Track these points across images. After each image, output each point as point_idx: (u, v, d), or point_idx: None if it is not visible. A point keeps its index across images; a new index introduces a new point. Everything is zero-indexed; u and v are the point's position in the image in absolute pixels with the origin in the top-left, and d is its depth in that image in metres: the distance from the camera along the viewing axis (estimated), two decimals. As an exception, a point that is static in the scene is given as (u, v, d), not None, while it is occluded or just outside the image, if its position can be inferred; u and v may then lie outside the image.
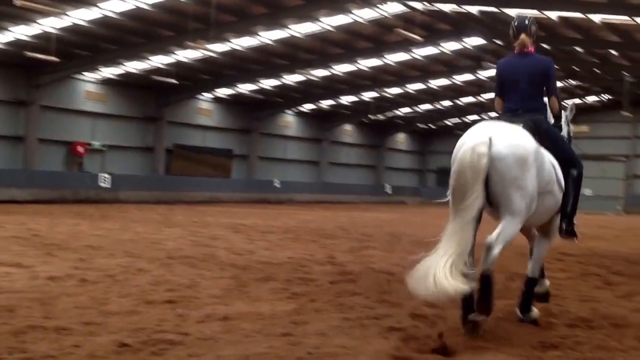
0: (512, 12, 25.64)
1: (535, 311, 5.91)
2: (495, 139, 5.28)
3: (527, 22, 6.12)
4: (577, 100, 45.50)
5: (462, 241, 5.27)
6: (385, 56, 31.65)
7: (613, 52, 30.71)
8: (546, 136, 5.80)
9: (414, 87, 39.10)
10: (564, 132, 6.47)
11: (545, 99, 6.09)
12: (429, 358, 4.59)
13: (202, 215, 21.86)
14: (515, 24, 6.13)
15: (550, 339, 5.23)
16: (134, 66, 31.66)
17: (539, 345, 5.00)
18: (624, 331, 5.59)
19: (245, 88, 37.13)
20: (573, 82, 40.28)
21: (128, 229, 14.97)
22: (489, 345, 5.00)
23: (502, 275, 9.02)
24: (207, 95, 38.66)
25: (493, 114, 9.49)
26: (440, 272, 4.93)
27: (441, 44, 30.18)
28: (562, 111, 6.41)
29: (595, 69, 35.99)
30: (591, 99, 44.86)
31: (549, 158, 5.68)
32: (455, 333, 5.36)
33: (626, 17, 23.62)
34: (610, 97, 44.46)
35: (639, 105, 44.86)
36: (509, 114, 5.91)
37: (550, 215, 5.96)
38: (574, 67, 36.69)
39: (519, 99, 5.92)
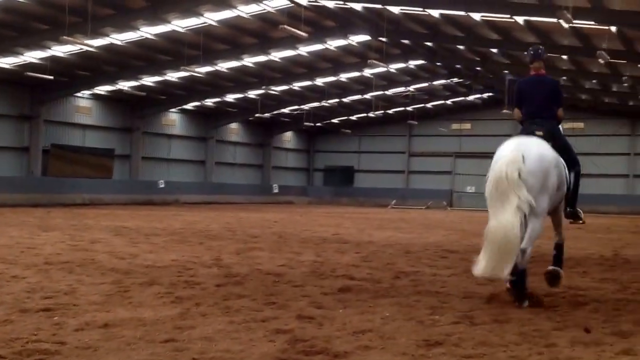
0: (396, 9, 26.30)
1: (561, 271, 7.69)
2: (526, 155, 6.78)
3: (540, 51, 7.80)
4: (460, 98, 47.27)
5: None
6: (270, 52, 31.57)
7: (493, 50, 31.99)
8: (558, 141, 7.42)
9: (300, 84, 39.26)
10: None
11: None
12: (315, 359, 4.53)
13: (82, 218, 21.05)
14: (532, 52, 7.81)
15: (435, 336, 5.30)
16: (6, 61, 29.99)
17: (423, 343, 5.05)
18: (505, 327, 5.75)
19: (126, 85, 35.99)
20: (456, 80, 41.72)
21: (2, 233, 14.16)
22: (374, 344, 5.00)
23: (390, 274, 9.15)
24: (86, 93, 37.20)
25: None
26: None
27: (327, 41, 30.42)
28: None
29: (477, 67, 37.42)
30: (473, 97, 46.61)
31: (561, 161, 7.23)
32: (345, 334, 5.34)
33: (506, 15, 24.57)
34: (491, 94, 46.37)
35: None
36: (529, 121, 7.58)
37: (560, 203, 7.56)
38: (456, 65, 38.01)
39: (536, 109, 7.59)
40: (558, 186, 7.13)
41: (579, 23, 22.28)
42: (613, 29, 24.15)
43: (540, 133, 7.29)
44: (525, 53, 8.22)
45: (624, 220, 30.65)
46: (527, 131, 7.44)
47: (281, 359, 4.52)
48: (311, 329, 5.47)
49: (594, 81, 36.84)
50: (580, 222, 8.01)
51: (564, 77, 36.96)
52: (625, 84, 33.39)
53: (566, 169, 7.35)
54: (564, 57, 30.86)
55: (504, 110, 41.68)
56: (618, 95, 40.61)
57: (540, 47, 8.02)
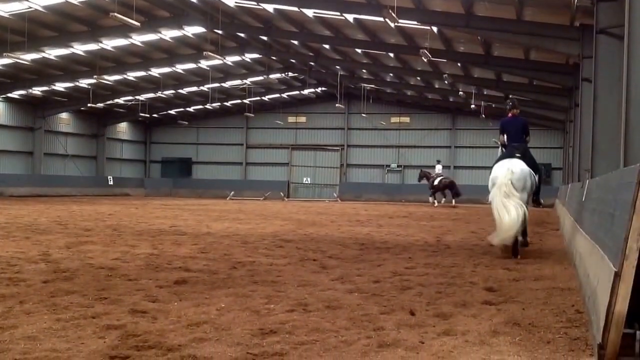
0: (231, 2, 26.27)
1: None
2: (513, 170, 11.09)
3: (515, 102, 12.38)
4: (295, 92, 48.06)
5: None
6: (102, 41, 30.41)
7: (326, 46, 32.80)
8: (528, 157, 11.73)
9: (135, 74, 38.15)
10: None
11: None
12: (147, 354, 4.47)
13: None
14: (510, 103, 12.32)
15: (270, 324, 5.39)
16: None
17: (258, 332, 5.12)
18: (337, 312, 5.95)
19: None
20: (290, 74, 42.32)
21: None
22: (209, 336, 5.02)
23: (227, 265, 9.18)
24: None
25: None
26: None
27: (161, 31, 29.78)
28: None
29: (310, 62, 38.18)
30: (307, 91, 47.54)
31: (530, 171, 11.45)
32: (179, 327, 5.31)
33: (337, 13, 25.31)
34: (325, 89, 47.53)
35: (350, 97, 48.63)
36: (512, 147, 11.86)
37: (529, 197, 11.68)
38: (291, 59, 38.58)
39: (514, 137, 11.99)
40: (530, 187, 11.37)
41: (403, 23, 23.42)
42: (434, 29, 25.63)
43: (519, 154, 11.60)
44: (508, 101, 12.58)
45: (445, 209, 32.64)
46: (510, 152, 11.75)
47: (111, 356, 4.41)
48: (144, 324, 5.38)
49: (418, 78, 38.85)
50: (541, 206, 13.34)
51: (391, 74, 38.71)
52: (446, 82, 35.55)
53: (534, 175, 11.59)
54: (391, 54, 32.30)
55: (337, 105, 43.01)
56: (440, 92, 43.12)
57: (515, 99, 12.92)
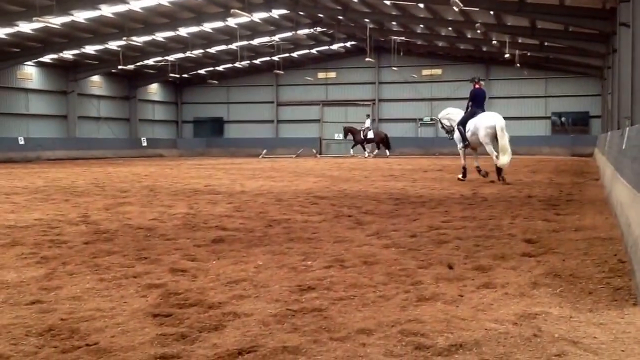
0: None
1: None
2: (501, 119, 17.06)
3: (479, 79, 18.68)
4: (324, 47, 47.63)
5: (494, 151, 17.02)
6: (129, 2, 30.35)
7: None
8: None
9: (163, 34, 38.12)
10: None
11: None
12: (189, 312, 4.52)
13: None
14: (476, 79, 18.54)
15: (308, 281, 5.40)
16: None
17: (297, 289, 5.14)
18: (374, 268, 5.94)
19: (-25, 38, 33.62)
20: (319, 29, 41.90)
21: None
22: (248, 293, 5.05)
23: (262, 223, 9.22)
24: None
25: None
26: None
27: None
28: None
29: (338, 16, 37.72)
30: (336, 46, 47.07)
31: None
32: (219, 284, 5.35)
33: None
34: (354, 43, 46.99)
35: (380, 51, 48.04)
36: (480, 110, 17.82)
37: None
38: (319, 14, 38.14)
39: (480, 105, 17.93)
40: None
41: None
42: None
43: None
44: (473, 77, 18.81)
45: (481, 161, 32.32)
46: (482, 112, 17.80)
47: (154, 314, 4.46)
48: (185, 282, 5.43)
49: (449, 28, 38.17)
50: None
51: (421, 25, 38.09)
52: (479, 31, 34.86)
53: None
54: (421, 5, 31.72)
55: (367, 59, 42.54)
56: (473, 42, 42.35)
57: (479, 77, 19.21)
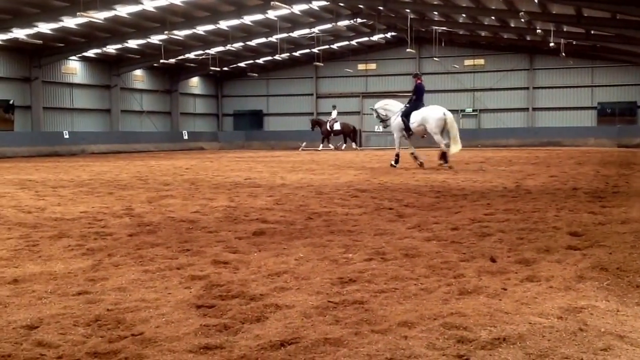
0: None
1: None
2: (447, 111, 19.59)
3: (419, 74, 21.52)
4: (364, 39, 47.44)
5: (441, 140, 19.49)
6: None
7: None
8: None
9: (204, 28, 38.39)
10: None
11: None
12: (231, 303, 4.57)
13: (-18, 173, 20.15)
14: (418, 73, 21.69)
15: (348, 273, 5.41)
16: None
17: (338, 281, 5.15)
18: (415, 261, 5.92)
19: (21, 33, 34.22)
20: (359, 20, 41.74)
21: None
22: (290, 285, 5.08)
23: (303, 215, 9.25)
24: (-22, 42, 35.26)
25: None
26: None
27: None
28: None
29: (379, 7, 37.51)
30: (377, 37, 46.80)
31: None
32: (260, 277, 5.39)
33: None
34: (394, 34, 46.69)
35: (421, 41, 47.63)
36: (421, 103, 20.18)
37: None
38: (359, 5, 37.98)
39: (421, 98, 20.29)
40: None
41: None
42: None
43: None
44: (415, 72, 20.61)
45: (524, 152, 31.91)
46: (424, 105, 20.07)
47: (197, 305, 4.52)
48: (227, 274, 5.49)
49: (492, 17, 37.65)
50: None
51: (463, 15, 37.67)
52: (522, 20, 34.30)
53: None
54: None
55: (408, 50, 42.22)
56: (516, 31, 41.72)
57: (418, 72, 21.70)
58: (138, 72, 47.28)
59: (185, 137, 48.88)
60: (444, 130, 19.30)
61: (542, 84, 47.78)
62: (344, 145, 41.41)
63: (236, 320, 4.16)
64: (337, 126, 41.90)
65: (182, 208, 10.23)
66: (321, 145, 42.02)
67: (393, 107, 21.14)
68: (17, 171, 20.73)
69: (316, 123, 42.88)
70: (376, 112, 21.84)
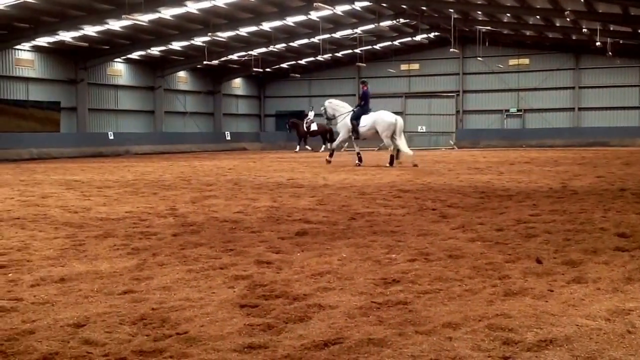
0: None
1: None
2: (397, 117, 21.95)
3: (365, 81, 23.16)
4: (407, 39, 47.21)
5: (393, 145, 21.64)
6: (214, -3, 30.93)
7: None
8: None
9: (247, 29, 38.64)
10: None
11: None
12: (275, 303, 4.58)
13: (31, 172, 20.61)
14: (365, 80, 23.04)
15: (392, 274, 5.39)
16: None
17: (381, 282, 5.13)
18: (459, 262, 5.86)
19: (68, 36, 34.91)
20: (402, 20, 41.54)
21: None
22: (333, 285, 5.07)
23: (345, 216, 9.23)
24: (26, 45, 36.00)
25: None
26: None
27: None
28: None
29: (422, 7, 37.27)
30: (420, 37, 46.52)
31: None
32: (303, 277, 5.39)
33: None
34: (438, 34, 46.34)
35: (465, 41, 47.20)
36: (368, 108, 22.46)
37: None
38: (402, 5, 37.80)
39: (368, 103, 22.39)
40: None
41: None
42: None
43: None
44: (362, 80, 22.94)
45: (570, 153, 31.37)
46: (372, 110, 22.21)
47: (241, 305, 4.55)
48: (270, 274, 5.51)
49: (537, 17, 37.10)
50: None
51: (508, 14, 37.20)
52: (568, 19, 33.73)
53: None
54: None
55: (451, 50, 41.85)
56: (562, 30, 41.04)
57: (365, 80, 23.25)
58: (181, 74, 47.82)
59: (228, 137, 49.26)
60: (394, 134, 21.42)
61: (588, 83, 46.90)
62: (323, 147, 41.08)
63: (280, 320, 4.17)
64: (313, 127, 41.82)
65: (225, 208, 10.31)
66: (298, 146, 42.02)
67: (338, 108, 23.27)
68: (63, 172, 21.14)
69: (293, 124, 42.90)
70: (325, 109, 23.82)
